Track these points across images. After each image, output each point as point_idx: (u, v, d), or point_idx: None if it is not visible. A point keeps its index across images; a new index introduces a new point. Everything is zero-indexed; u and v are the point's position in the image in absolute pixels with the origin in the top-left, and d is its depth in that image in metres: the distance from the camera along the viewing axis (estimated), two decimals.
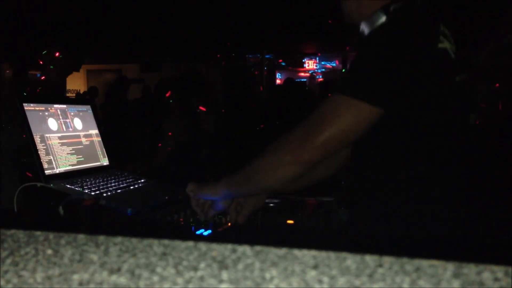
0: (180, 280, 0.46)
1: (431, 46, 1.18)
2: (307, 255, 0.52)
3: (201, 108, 4.32)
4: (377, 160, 1.25)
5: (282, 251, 0.54)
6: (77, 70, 3.98)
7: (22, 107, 1.54)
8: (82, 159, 1.70)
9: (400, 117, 1.17)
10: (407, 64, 1.13)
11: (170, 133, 3.91)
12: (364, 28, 1.28)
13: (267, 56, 11.21)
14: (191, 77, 4.32)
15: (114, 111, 5.21)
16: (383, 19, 1.23)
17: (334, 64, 12.00)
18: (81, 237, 0.60)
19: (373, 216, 1.26)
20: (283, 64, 11.82)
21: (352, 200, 1.37)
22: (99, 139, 1.84)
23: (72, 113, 1.75)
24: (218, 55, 9.84)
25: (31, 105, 1.58)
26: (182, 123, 3.90)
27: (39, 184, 1.47)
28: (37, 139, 1.53)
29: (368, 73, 1.16)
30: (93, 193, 1.48)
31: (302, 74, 12.12)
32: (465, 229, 1.20)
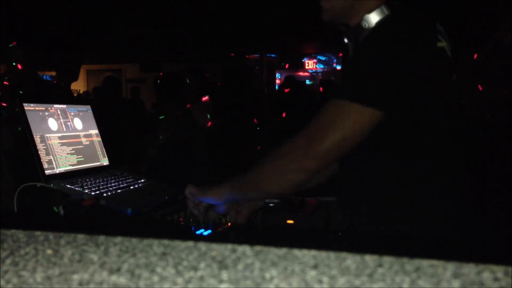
0: (180, 280, 0.46)
1: (431, 46, 1.17)
2: (307, 255, 0.52)
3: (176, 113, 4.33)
4: (374, 161, 1.24)
5: (282, 251, 0.54)
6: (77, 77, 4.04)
7: (22, 107, 1.54)
8: (82, 159, 1.70)
9: (399, 118, 1.16)
10: (407, 65, 1.12)
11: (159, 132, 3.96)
12: (362, 25, 1.23)
13: (267, 55, 11.20)
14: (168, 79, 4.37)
15: (105, 111, 5.19)
16: (385, 15, 1.20)
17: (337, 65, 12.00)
18: (81, 237, 0.60)
19: (370, 218, 1.25)
20: (282, 64, 11.82)
21: (345, 201, 1.35)
22: (99, 139, 1.84)
23: (72, 113, 1.75)
24: (218, 55, 9.84)
25: (31, 105, 1.58)
26: (176, 121, 3.95)
27: (39, 184, 1.47)
28: (37, 139, 1.53)
29: (367, 76, 1.14)
30: (93, 193, 1.48)
31: (302, 73, 12.12)
32: (463, 230, 1.20)
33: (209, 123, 4.46)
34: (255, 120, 5.16)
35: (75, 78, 4.05)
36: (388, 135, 1.19)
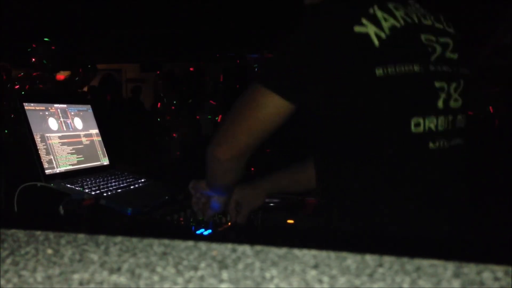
0: (180, 280, 0.46)
1: (344, 31, 1.02)
2: (307, 254, 0.52)
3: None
4: (325, 162, 1.18)
5: (282, 250, 0.54)
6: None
7: (23, 106, 1.54)
8: (82, 158, 1.70)
9: (323, 113, 1.09)
10: (315, 53, 1.03)
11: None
12: None
13: (267, 55, 11.18)
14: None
15: (103, 110, 5.17)
16: None
17: None
18: (81, 236, 0.60)
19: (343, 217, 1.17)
20: None
21: (322, 199, 1.32)
22: (99, 138, 1.84)
23: (72, 113, 1.75)
24: (218, 55, 9.84)
25: (32, 104, 1.58)
26: (185, 122, 4.01)
27: (39, 184, 1.47)
28: (37, 139, 1.53)
29: (279, 64, 1.11)
30: (93, 193, 1.48)
31: None
32: (454, 230, 1.14)
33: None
34: None
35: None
36: (323, 132, 1.13)
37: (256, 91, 1.11)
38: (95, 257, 0.53)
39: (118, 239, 0.59)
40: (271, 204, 1.60)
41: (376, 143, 1.06)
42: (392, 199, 1.08)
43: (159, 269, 0.49)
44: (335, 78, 1.03)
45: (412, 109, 1.06)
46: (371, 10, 1.05)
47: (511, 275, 0.45)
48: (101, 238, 0.59)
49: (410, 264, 0.48)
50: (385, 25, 1.04)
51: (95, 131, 1.83)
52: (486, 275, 0.45)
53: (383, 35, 1.03)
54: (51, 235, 0.61)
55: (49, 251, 0.55)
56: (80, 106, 1.82)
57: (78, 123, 1.76)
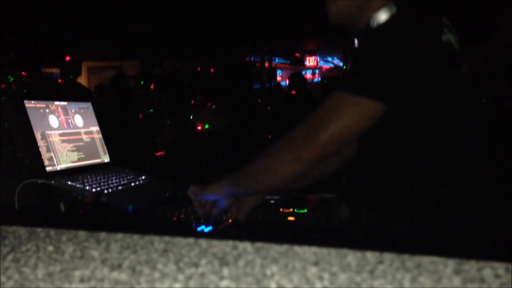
0: (181, 277, 0.46)
1: (435, 39, 1.17)
2: (307, 251, 0.52)
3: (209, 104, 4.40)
4: (383, 156, 1.23)
5: (283, 247, 0.54)
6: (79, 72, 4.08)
7: (23, 104, 1.54)
8: (83, 156, 1.70)
9: (406, 112, 1.16)
10: (410, 58, 1.12)
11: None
12: (370, 25, 1.23)
13: (269, 52, 11.18)
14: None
15: (120, 108, 5.17)
16: (392, 12, 1.20)
17: (336, 61, 11.96)
18: (82, 233, 0.60)
19: (376, 213, 1.26)
20: (283, 61, 11.80)
21: (354, 196, 1.35)
22: (100, 136, 1.84)
23: (73, 110, 1.75)
24: (219, 52, 9.84)
25: (32, 102, 1.58)
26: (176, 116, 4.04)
27: (40, 181, 1.48)
28: (38, 136, 1.53)
29: (371, 68, 1.14)
30: (94, 190, 1.48)
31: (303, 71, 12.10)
32: (468, 226, 1.19)
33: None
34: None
35: (78, 73, 4.11)
36: (397, 130, 1.18)
37: (345, 99, 1.15)
38: (96, 254, 0.53)
39: (119, 236, 0.59)
40: (272, 201, 1.60)
41: (449, 132, 1.19)
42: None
43: (160, 266, 0.49)
44: (424, 78, 1.13)
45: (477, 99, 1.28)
46: (444, 20, 1.22)
47: None
48: (102, 235, 0.59)
49: (411, 261, 0.48)
50: (454, 31, 1.23)
51: (96, 128, 1.83)
52: (487, 272, 0.45)
53: (457, 40, 1.22)
54: (52, 232, 0.61)
55: (50, 248, 0.55)
56: (81, 103, 1.82)
57: (78, 120, 1.76)
